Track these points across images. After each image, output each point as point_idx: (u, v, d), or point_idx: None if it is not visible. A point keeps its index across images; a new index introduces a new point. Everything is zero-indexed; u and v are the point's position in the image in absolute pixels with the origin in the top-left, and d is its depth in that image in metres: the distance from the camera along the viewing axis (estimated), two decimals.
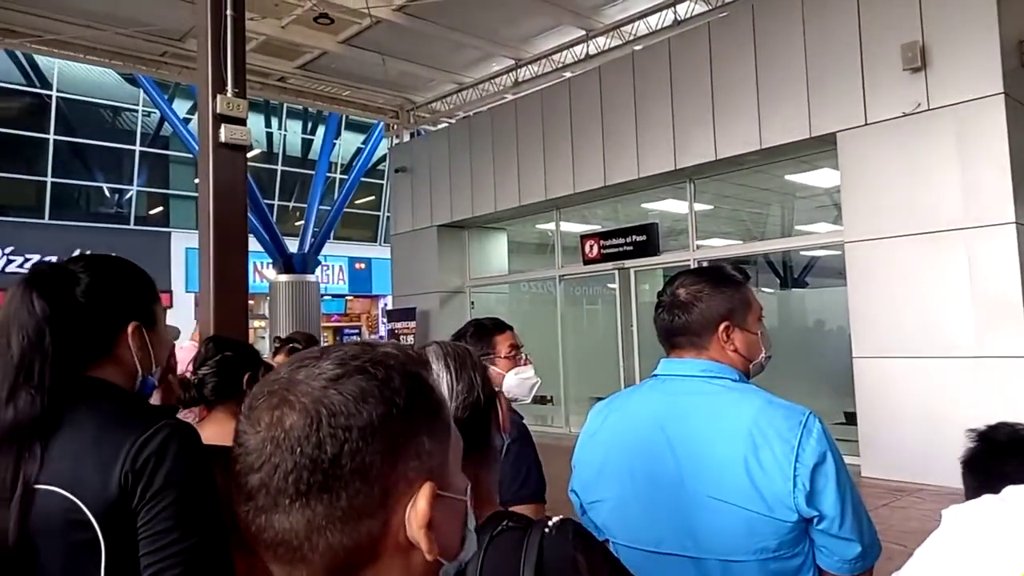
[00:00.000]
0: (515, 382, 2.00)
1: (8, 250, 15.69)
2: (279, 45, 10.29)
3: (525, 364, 2.03)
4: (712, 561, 1.32)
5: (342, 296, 21.25)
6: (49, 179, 16.86)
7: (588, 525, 1.51)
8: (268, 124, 20.53)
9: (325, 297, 18.53)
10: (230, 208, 3.65)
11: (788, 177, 8.91)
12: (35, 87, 16.70)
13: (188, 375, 1.88)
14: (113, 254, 1.34)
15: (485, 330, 2.03)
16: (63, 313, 1.15)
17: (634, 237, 9.34)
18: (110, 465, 1.08)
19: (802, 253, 13.45)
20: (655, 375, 1.50)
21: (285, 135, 20.90)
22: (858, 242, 6.84)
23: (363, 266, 21.17)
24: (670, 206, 9.79)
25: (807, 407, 1.35)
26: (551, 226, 10.75)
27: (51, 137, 16.80)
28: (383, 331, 18.99)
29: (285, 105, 18.82)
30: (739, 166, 8.35)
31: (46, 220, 16.65)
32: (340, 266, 20.76)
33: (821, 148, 7.36)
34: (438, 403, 0.65)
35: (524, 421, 2.00)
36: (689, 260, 8.64)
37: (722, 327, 1.44)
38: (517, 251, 12.19)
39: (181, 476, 1.09)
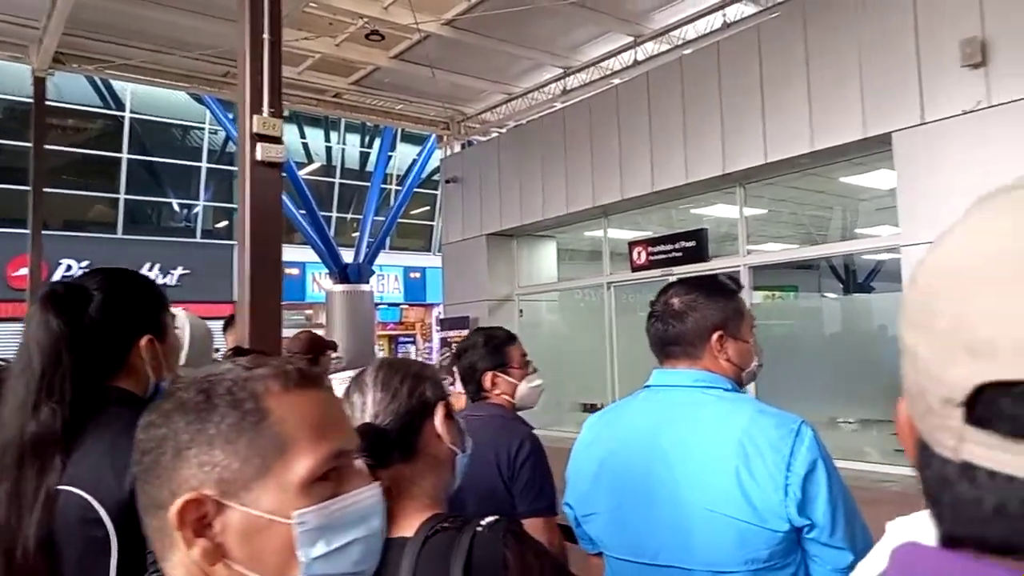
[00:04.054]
0: (527, 390, 2.03)
1: (84, 264, 16.60)
2: (333, 62, 10.61)
3: (534, 372, 2.07)
4: (703, 573, 1.32)
5: (397, 305, 21.63)
6: (122, 196, 17.75)
7: (583, 538, 1.52)
8: (328, 138, 21.12)
9: (380, 306, 18.91)
10: (266, 223, 3.80)
11: (843, 179, 8.67)
12: (110, 108, 17.62)
13: None
14: (125, 267, 1.42)
15: (498, 341, 2.07)
16: (79, 330, 1.24)
17: (683, 243, 9.23)
18: (125, 468, 1.17)
19: (865, 257, 13.06)
20: (648, 385, 1.51)
21: (344, 148, 21.46)
22: (915, 245, 6.58)
23: (418, 275, 21.51)
24: (720, 211, 9.64)
25: (799, 415, 1.34)
26: (599, 233, 10.72)
27: (124, 156, 17.69)
28: (436, 339, 19.22)
29: (343, 120, 19.32)
30: (791, 169, 8.15)
31: (119, 235, 17.52)
32: (395, 275, 21.15)
33: (876, 149, 7.13)
34: (255, 420, 0.68)
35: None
36: (740, 266, 8.48)
37: (715, 336, 1.45)
38: (567, 258, 12.19)
39: None
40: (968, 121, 6.28)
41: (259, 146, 3.81)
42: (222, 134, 18.56)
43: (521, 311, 11.52)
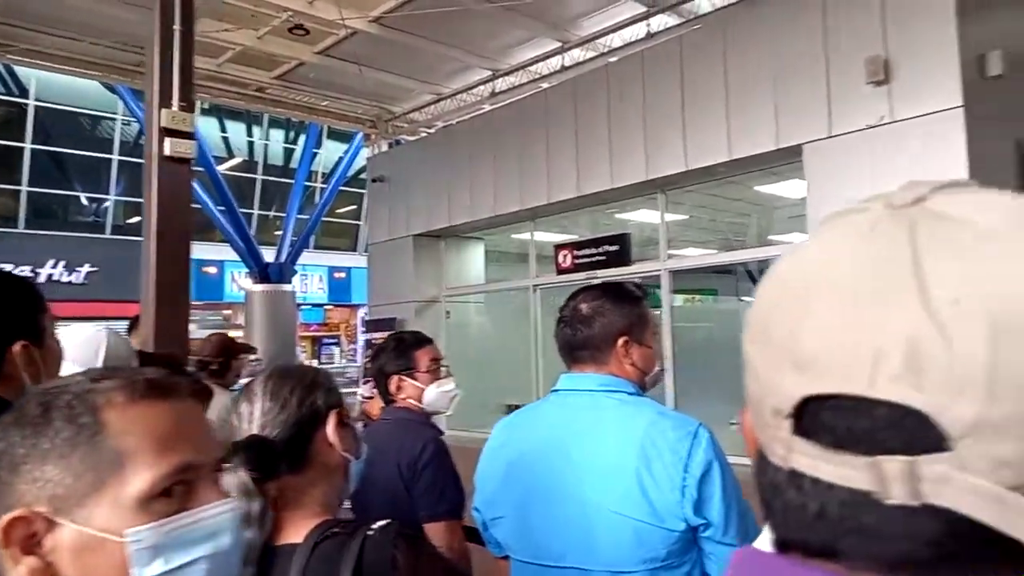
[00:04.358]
0: (435, 395, 2.02)
1: None
2: (256, 55, 10.31)
3: (446, 377, 2.06)
4: (602, 573, 1.35)
5: (321, 305, 21.19)
6: (25, 188, 16.72)
7: (490, 542, 1.53)
8: (250, 133, 20.49)
9: (304, 306, 18.47)
10: (174, 220, 3.64)
11: (758, 188, 9.02)
12: (13, 95, 16.58)
13: None
14: None
15: (405, 344, 2.05)
16: None
17: (607, 247, 9.40)
18: None
19: None
20: (556, 390, 1.53)
21: (267, 144, 20.87)
22: None
23: (343, 275, 21.14)
24: (644, 216, 9.86)
25: (697, 419, 1.38)
26: (527, 236, 10.79)
27: (28, 146, 16.68)
28: (361, 341, 18.94)
29: (266, 114, 18.80)
30: (710, 177, 8.42)
31: (21, 229, 16.49)
32: (320, 275, 20.71)
33: (789, 160, 7.44)
34: (90, 434, 0.66)
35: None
36: (660, 270, 8.71)
37: (621, 341, 1.48)
38: (494, 261, 12.21)
39: None
40: (872, 135, 6.64)
41: (167, 141, 3.63)
42: (136, 125, 17.76)
43: (448, 313, 11.47)
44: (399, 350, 2.02)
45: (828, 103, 6.95)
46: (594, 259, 9.49)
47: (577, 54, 10.09)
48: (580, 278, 9.61)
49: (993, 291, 0.31)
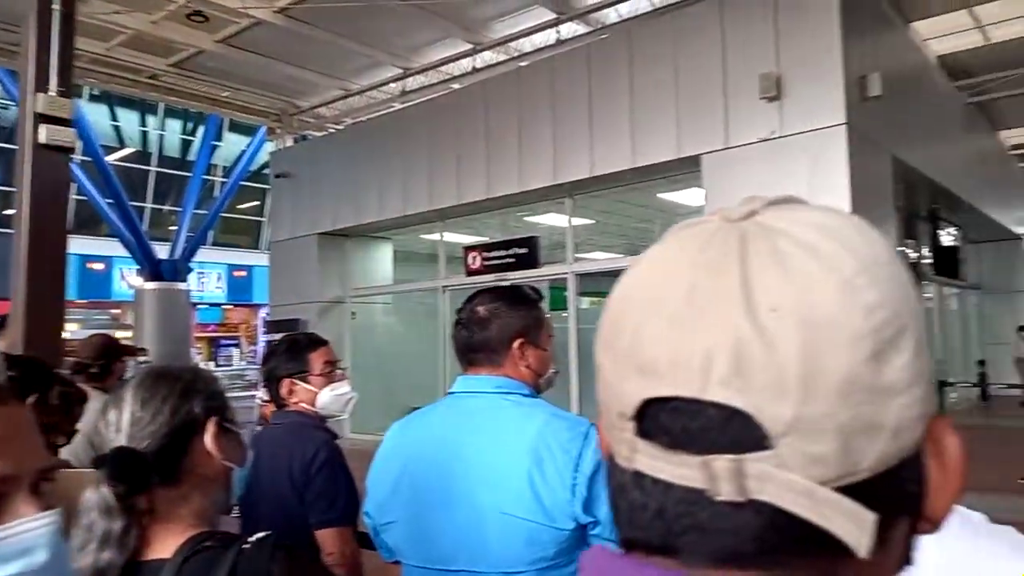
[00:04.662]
0: (329, 398, 1.96)
1: None
2: (150, 40, 9.76)
3: (341, 380, 2.01)
4: (493, 575, 1.34)
5: (219, 305, 20.29)
6: None
7: (381, 547, 1.50)
8: (144, 123, 19.39)
9: (200, 306, 17.65)
10: (48, 213, 3.36)
11: (661, 195, 9.32)
12: None
13: None
14: None
15: (298, 346, 1.99)
16: None
17: (516, 249, 9.47)
18: None
19: None
20: (451, 392, 1.51)
21: (162, 135, 19.82)
22: None
23: (243, 274, 20.33)
24: (552, 220, 10.01)
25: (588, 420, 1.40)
26: (436, 236, 10.73)
27: None
28: (262, 342, 18.27)
29: (162, 103, 17.86)
30: (616, 183, 8.64)
31: None
32: (218, 273, 19.83)
33: (688, 169, 7.73)
34: None
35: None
36: (567, 273, 8.86)
37: (517, 344, 1.48)
38: (403, 261, 12.08)
39: None
40: (765, 147, 7.00)
41: (43, 128, 3.34)
42: (15, 109, 16.45)
43: (354, 314, 11.25)
44: (291, 352, 1.95)
45: (725, 116, 7.27)
46: (503, 261, 9.55)
47: (488, 56, 10.13)
48: (490, 280, 9.64)
49: (807, 300, 0.34)
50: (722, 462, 0.33)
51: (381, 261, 11.79)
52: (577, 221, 9.35)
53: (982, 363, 13.51)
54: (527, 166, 8.84)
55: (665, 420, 0.35)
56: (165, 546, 0.88)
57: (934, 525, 0.40)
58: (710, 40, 7.36)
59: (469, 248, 10.05)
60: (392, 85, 11.24)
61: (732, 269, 0.35)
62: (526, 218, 10.40)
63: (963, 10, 8.92)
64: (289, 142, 12.98)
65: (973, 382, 12.54)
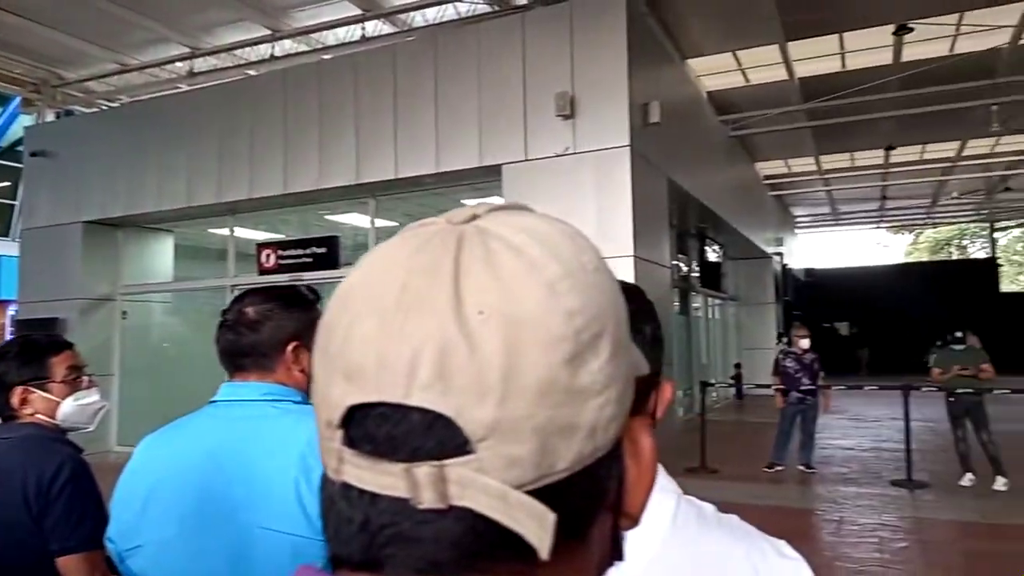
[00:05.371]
0: (73, 409, 1.72)
1: None
2: None
3: (88, 387, 1.77)
4: None
5: None
6: None
7: (126, 575, 1.34)
8: None
9: None
10: None
11: (465, 202, 9.48)
12: None
13: None
14: None
15: (36, 349, 1.72)
16: None
17: (314, 249, 9.12)
18: None
19: None
20: (214, 401, 1.39)
21: None
22: None
23: None
24: (355, 220, 9.78)
25: None
26: (226, 231, 10.01)
27: None
28: None
29: None
30: (419, 187, 8.64)
31: None
32: None
33: (490, 177, 7.95)
34: None
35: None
36: None
37: (291, 347, 1.41)
38: (187, 257, 11.11)
39: None
40: (560, 162, 7.39)
41: None
42: None
43: (125, 313, 10.12)
44: (26, 356, 1.68)
45: (525, 129, 7.58)
46: (300, 260, 9.14)
47: (288, 45, 9.67)
48: (284, 279, 9.17)
49: (511, 302, 0.34)
50: (424, 469, 0.32)
51: (160, 256, 10.75)
52: (381, 222, 9.22)
53: (738, 366, 15.41)
54: (328, 163, 8.55)
55: (371, 427, 0.34)
56: None
57: (633, 520, 0.42)
58: (512, 55, 7.64)
59: (263, 245, 9.50)
60: (179, 64, 10.32)
61: (445, 270, 0.35)
62: (327, 217, 10.06)
63: (728, 52, 10.11)
64: (50, 116, 11.40)
65: (730, 383, 14.22)
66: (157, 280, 10.55)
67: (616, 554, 0.41)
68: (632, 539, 0.84)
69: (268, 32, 9.51)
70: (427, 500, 0.32)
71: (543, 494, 0.33)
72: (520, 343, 0.33)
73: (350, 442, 0.34)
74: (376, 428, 0.34)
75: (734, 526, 0.85)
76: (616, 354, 0.36)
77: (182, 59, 10.20)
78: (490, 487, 0.32)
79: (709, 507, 0.87)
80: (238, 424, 1.33)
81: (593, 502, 0.37)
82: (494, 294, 0.34)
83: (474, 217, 0.38)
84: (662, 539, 0.81)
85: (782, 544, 0.84)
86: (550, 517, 0.33)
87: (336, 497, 0.35)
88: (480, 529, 0.33)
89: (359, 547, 0.34)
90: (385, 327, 0.34)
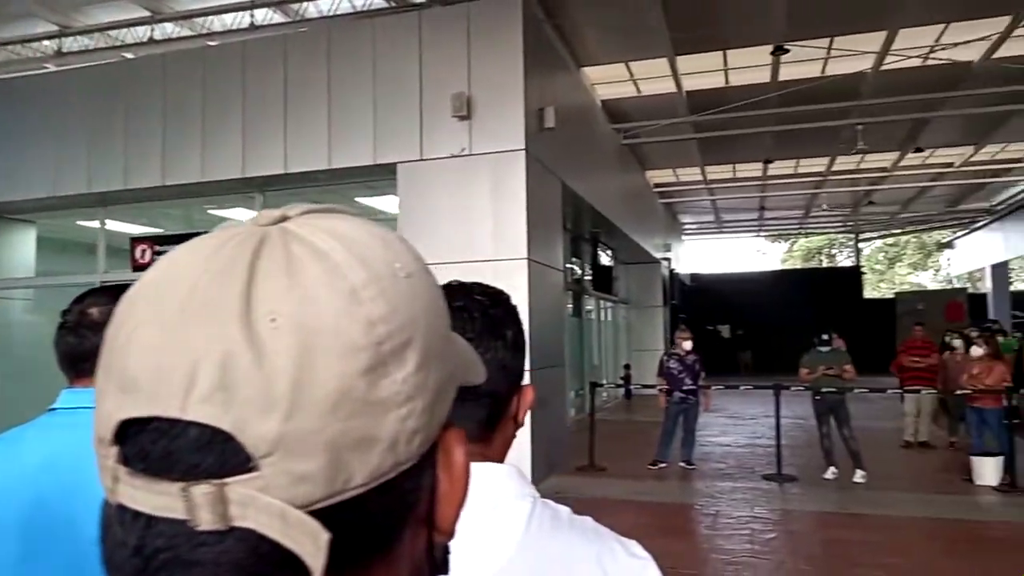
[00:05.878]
0: None
1: None
2: None
3: None
4: None
5: None
6: None
7: None
8: None
9: None
10: None
11: (359, 199, 9.28)
12: None
13: None
14: None
15: None
16: None
17: None
18: None
19: None
20: (53, 409, 1.28)
21: None
22: None
23: None
24: (242, 215, 9.35)
25: None
26: (96, 224, 9.34)
27: None
28: None
29: None
30: (311, 182, 8.38)
31: None
32: None
33: (385, 176, 7.82)
34: None
35: None
36: None
37: None
38: (51, 250, 10.28)
39: None
40: (456, 162, 7.36)
41: None
42: None
43: None
44: None
45: (420, 129, 7.50)
46: None
47: (170, 29, 9.13)
48: None
49: (307, 309, 0.32)
50: (202, 488, 0.30)
51: (20, 248, 9.89)
52: None
53: (627, 367, 15.93)
54: (213, 154, 8.14)
55: (145, 444, 0.31)
56: None
57: (446, 534, 0.40)
58: (409, 53, 7.54)
59: (137, 240, 8.92)
60: (46, 43, 9.52)
61: (238, 274, 0.32)
62: (211, 211, 9.58)
63: (621, 63, 10.43)
64: None
65: (619, 383, 14.66)
66: (15, 274, 9.70)
67: (438, 567, 0.40)
68: (486, 544, 0.83)
69: (147, 14, 8.95)
70: (205, 522, 0.30)
71: (340, 509, 0.31)
72: (313, 353, 0.31)
73: (125, 460, 0.32)
74: (151, 444, 0.31)
75: (587, 528, 0.85)
76: (426, 364, 0.35)
77: (49, 37, 9.43)
78: (272, 506, 0.30)
79: (564, 510, 0.87)
80: (80, 433, 1.23)
81: (397, 516, 0.35)
82: (289, 301, 0.32)
83: (283, 219, 0.36)
84: (516, 543, 0.80)
85: (633, 544, 0.85)
86: (324, 536, 0.31)
87: (112, 520, 0.33)
88: (263, 551, 0.30)
89: (132, 573, 0.32)
90: (166, 334, 0.31)
